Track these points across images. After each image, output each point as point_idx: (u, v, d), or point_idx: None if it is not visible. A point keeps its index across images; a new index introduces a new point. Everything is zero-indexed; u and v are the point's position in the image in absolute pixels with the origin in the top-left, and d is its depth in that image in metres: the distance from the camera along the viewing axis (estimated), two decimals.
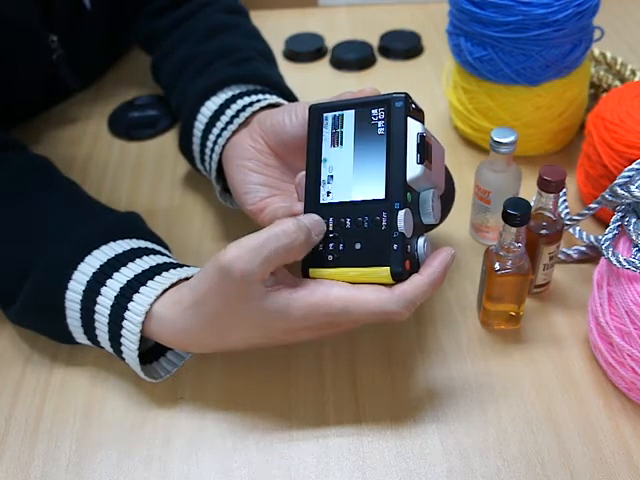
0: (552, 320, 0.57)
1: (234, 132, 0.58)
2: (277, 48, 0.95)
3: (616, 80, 0.77)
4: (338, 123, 0.48)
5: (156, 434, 0.50)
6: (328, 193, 0.47)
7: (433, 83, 0.87)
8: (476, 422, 0.50)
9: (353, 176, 0.46)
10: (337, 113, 0.48)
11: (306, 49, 0.95)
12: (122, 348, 0.49)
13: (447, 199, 0.56)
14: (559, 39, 0.63)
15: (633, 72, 0.77)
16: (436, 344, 0.56)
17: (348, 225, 0.45)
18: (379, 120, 0.46)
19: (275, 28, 0.99)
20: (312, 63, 0.94)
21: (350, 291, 0.43)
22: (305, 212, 0.47)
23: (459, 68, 0.72)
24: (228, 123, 0.59)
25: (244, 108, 0.59)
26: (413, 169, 0.45)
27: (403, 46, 0.94)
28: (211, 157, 0.61)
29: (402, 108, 0.46)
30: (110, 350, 0.51)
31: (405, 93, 0.46)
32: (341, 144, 0.47)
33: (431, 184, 0.47)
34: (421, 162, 0.45)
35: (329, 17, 1.04)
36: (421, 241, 0.45)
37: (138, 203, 0.71)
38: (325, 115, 0.48)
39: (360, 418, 0.51)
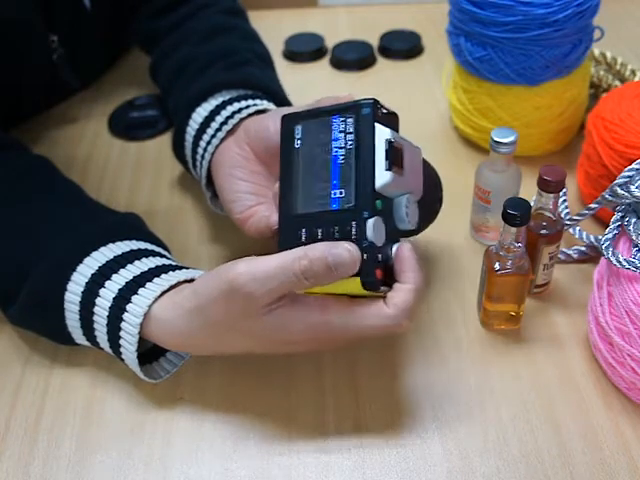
0: (552, 320, 0.57)
1: (222, 139, 0.58)
2: (277, 48, 0.95)
3: (616, 80, 0.77)
4: (309, 132, 0.47)
5: (156, 434, 0.50)
6: (300, 204, 0.46)
7: (433, 83, 0.87)
8: (476, 422, 0.50)
9: (323, 186, 0.45)
10: (308, 122, 0.48)
11: (306, 49, 0.95)
12: (121, 349, 0.49)
13: (431, 202, 0.55)
14: (559, 39, 0.63)
15: (633, 72, 0.77)
16: (436, 344, 0.56)
17: (320, 236, 0.44)
18: (348, 128, 0.46)
19: (275, 28, 0.99)
20: (312, 63, 0.94)
21: (349, 307, 0.43)
22: (280, 224, 0.47)
23: (459, 68, 0.72)
24: (217, 130, 0.59)
25: (232, 115, 0.59)
26: (381, 176, 0.44)
27: (403, 46, 0.94)
28: (201, 164, 0.61)
29: (369, 114, 0.45)
30: (109, 351, 0.51)
31: (373, 99, 0.46)
32: (312, 154, 0.47)
33: (405, 189, 0.46)
34: (389, 169, 0.44)
35: (329, 17, 1.04)
36: (396, 247, 0.45)
37: (138, 203, 0.71)
38: (296, 125, 0.48)
39: (360, 418, 0.51)
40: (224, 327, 0.45)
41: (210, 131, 0.60)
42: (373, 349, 0.55)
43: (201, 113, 0.61)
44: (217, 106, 0.61)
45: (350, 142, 0.45)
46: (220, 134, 0.58)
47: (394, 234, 0.45)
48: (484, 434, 0.49)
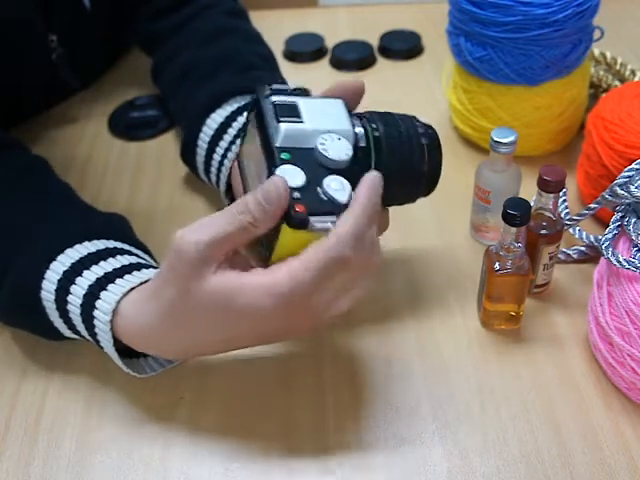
0: (552, 320, 0.57)
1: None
2: (277, 48, 0.95)
3: (616, 80, 0.77)
4: (246, 148, 0.51)
5: (156, 434, 0.50)
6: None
7: (433, 83, 0.87)
8: (476, 422, 0.50)
9: (255, 173, 0.48)
10: (243, 140, 0.51)
11: (306, 49, 0.94)
12: (101, 345, 0.49)
13: (411, 170, 0.51)
14: (559, 39, 0.63)
15: (633, 72, 0.77)
16: (436, 344, 0.56)
17: None
18: (252, 119, 0.48)
19: (275, 28, 0.99)
20: (312, 63, 0.94)
21: (293, 259, 0.41)
22: None
23: (459, 68, 0.72)
24: (236, 136, 0.59)
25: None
26: (277, 131, 0.45)
27: (403, 46, 0.94)
28: (219, 170, 0.61)
29: (257, 98, 0.48)
30: (97, 345, 0.50)
31: (261, 85, 0.48)
32: (251, 162, 0.49)
33: (319, 133, 0.46)
34: (280, 121, 0.45)
35: (329, 17, 1.04)
36: (327, 179, 0.44)
37: (138, 203, 0.71)
38: (239, 150, 0.52)
39: (360, 418, 0.51)
40: (176, 305, 0.43)
41: (227, 137, 0.60)
42: (373, 348, 0.55)
43: (216, 119, 0.62)
44: (232, 112, 0.61)
45: (255, 128, 0.47)
46: (239, 141, 0.58)
47: (318, 172, 0.44)
48: (484, 434, 0.49)
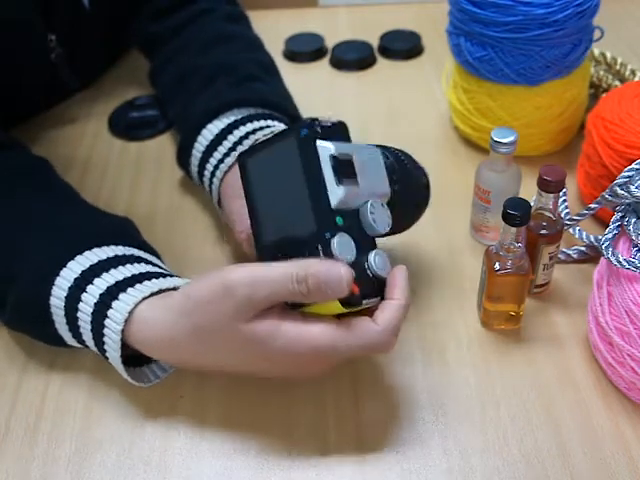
0: (552, 320, 0.57)
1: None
2: (277, 48, 0.95)
3: (616, 80, 0.77)
4: (260, 165, 0.48)
5: (156, 434, 0.50)
6: (268, 234, 0.47)
7: (433, 83, 0.87)
8: (476, 422, 0.50)
9: (284, 214, 0.46)
10: (257, 155, 0.48)
11: (306, 49, 0.94)
12: (107, 355, 0.49)
13: (414, 200, 0.55)
14: (559, 39, 0.63)
15: (633, 72, 0.77)
16: (436, 344, 0.56)
17: None
18: (293, 153, 0.45)
19: (275, 28, 0.99)
20: (312, 63, 0.94)
21: (337, 325, 0.43)
22: (257, 254, 0.47)
23: (459, 68, 0.72)
24: (231, 149, 0.59)
25: (247, 135, 0.59)
26: (334, 193, 0.44)
27: (403, 46, 0.94)
28: (211, 181, 0.61)
29: (307, 135, 0.45)
30: (99, 354, 0.50)
31: (310, 119, 0.45)
32: (268, 185, 0.47)
33: (366, 196, 0.45)
34: (340, 183, 0.44)
35: (329, 17, 1.04)
36: (372, 256, 0.44)
37: (138, 203, 0.71)
38: (247, 160, 0.48)
39: (360, 418, 0.51)
40: (208, 331, 0.44)
41: (222, 149, 0.60)
42: None
43: (212, 130, 0.62)
44: (229, 124, 0.61)
45: (297, 166, 0.45)
46: (234, 153, 0.58)
47: (368, 242, 0.45)
48: (484, 434, 0.49)
